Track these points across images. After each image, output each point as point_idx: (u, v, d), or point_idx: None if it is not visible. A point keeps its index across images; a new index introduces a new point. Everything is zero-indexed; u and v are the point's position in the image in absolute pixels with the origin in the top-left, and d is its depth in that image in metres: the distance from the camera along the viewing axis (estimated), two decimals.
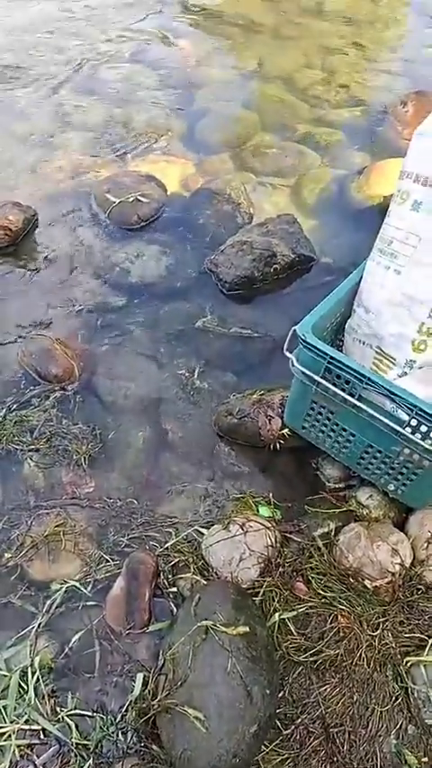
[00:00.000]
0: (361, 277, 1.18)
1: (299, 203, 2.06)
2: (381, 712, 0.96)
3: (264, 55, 2.93)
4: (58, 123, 2.36)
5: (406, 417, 0.99)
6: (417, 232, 1.01)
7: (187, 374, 1.50)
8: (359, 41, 3.09)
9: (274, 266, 1.73)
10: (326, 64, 2.88)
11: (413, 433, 0.99)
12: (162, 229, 1.91)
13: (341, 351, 1.27)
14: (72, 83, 2.63)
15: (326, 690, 0.98)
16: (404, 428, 1.00)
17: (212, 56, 2.89)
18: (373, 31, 3.23)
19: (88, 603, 1.09)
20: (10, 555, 1.13)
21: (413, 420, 0.98)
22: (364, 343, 1.14)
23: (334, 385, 1.06)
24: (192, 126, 2.39)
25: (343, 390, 1.05)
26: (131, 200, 1.88)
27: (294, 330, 1.07)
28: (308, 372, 1.08)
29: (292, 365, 1.10)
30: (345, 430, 1.14)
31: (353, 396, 1.04)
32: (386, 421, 1.00)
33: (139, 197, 1.89)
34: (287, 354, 1.10)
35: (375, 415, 1.01)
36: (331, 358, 1.03)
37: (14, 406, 1.38)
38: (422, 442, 0.98)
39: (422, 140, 1.04)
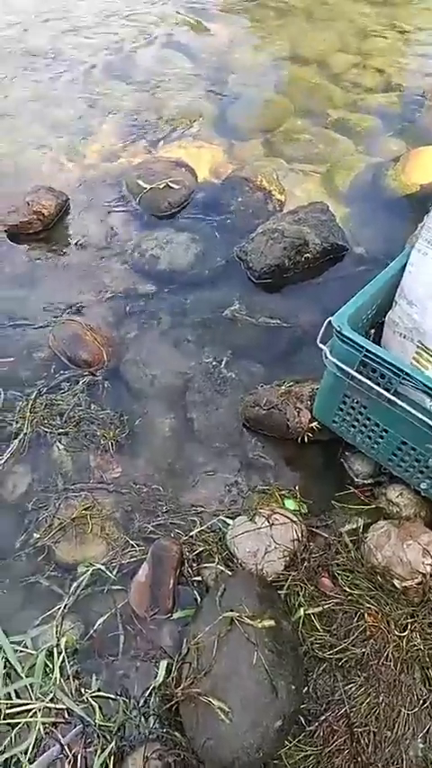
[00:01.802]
0: (401, 268, 1.13)
1: (331, 191, 2.00)
2: (407, 715, 0.94)
3: (297, 38, 2.84)
4: (90, 109, 2.35)
5: None
6: None
7: (214, 363, 1.48)
8: (396, 23, 2.97)
9: (306, 255, 1.69)
10: (362, 47, 2.77)
11: None
12: (192, 216, 1.88)
13: (376, 343, 1.23)
14: (104, 69, 2.61)
15: (351, 689, 0.96)
16: None
17: (245, 40, 2.82)
18: (412, 13, 3.09)
19: (113, 587, 1.09)
20: (38, 535, 1.15)
21: None
22: (405, 337, 1.10)
23: (369, 379, 1.02)
24: (223, 111, 2.34)
25: (378, 385, 1.01)
26: (162, 186, 1.86)
27: (329, 321, 1.03)
28: (342, 365, 1.04)
29: (326, 357, 1.07)
30: (377, 425, 1.11)
31: (389, 390, 1.00)
32: (423, 418, 0.96)
33: (169, 183, 1.87)
34: (320, 346, 1.07)
35: (411, 411, 0.97)
36: (367, 351, 0.99)
37: (45, 390, 1.39)
38: None
39: None
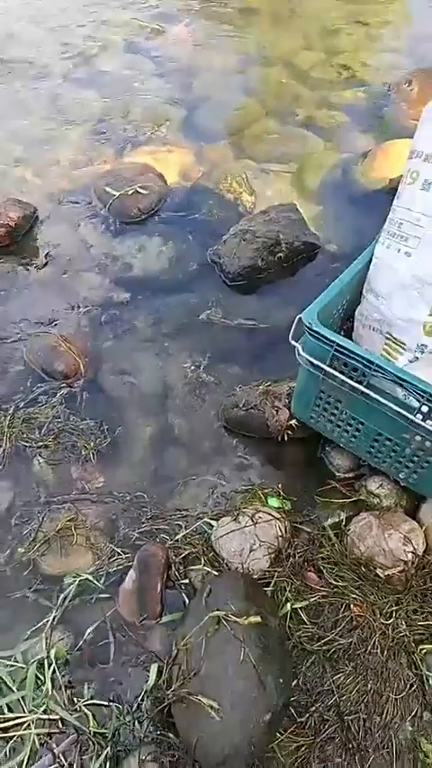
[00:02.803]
0: (368, 262, 1.16)
1: (302, 189, 2.02)
2: (395, 700, 0.96)
3: (263, 38, 2.86)
4: (54, 118, 2.34)
5: (417, 404, 0.97)
6: (428, 212, 0.99)
7: (193, 367, 1.49)
8: (361, 20, 3.00)
9: (278, 255, 1.71)
10: (327, 44, 2.80)
11: (424, 420, 0.98)
12: (163, 221, 1.89)
13: (349, 338, 1.25)
14: (69, 75, 2.60)
15: (340, 678, 0.98)
16: (415, 415, 0.98)
17: (210, 42, 2.83)
18: (375, 9, 3.13)
19: (101, 596, 1.10)
20: (23, 550, 1.15)
21: (424, 406, 0.97)
22: (373, 329, 1.12)
23: (341, 373, 1.04)
24: (191, 114, 2.35)
25: (351, 378, 1.03)
26: (131, 192, 1.86)
27: (299, 318, 1.05)
28: (314, 361, 1.06)
29: (299, 354, 1.08)
30: (353, 419, 1.13)
31: (361, 383, 1.02)
32: (396, 408, 0.99)
33: (138, 189, 1.87)
34: (293, 343, 1.08)
35: (385, 402, 0.99)
36: (338, 345, 1.01)
37: (22, 404, 1.39)
38: None
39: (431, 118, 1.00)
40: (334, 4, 3.13)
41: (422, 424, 0.97)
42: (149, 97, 2.45)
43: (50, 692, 0.98)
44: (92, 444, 1.31)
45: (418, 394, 0.94)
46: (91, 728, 0.95)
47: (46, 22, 3.01)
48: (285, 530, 1.15)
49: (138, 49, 2.78)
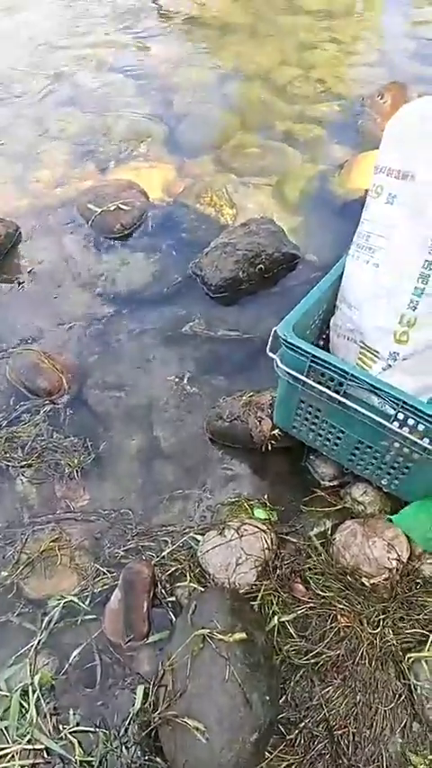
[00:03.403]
0: (341, 273, 1.17)
1: (282, 201, 2.05)
2: (385, 711, 0.95)
3: (240, 55, 2.93)
4: (36, 136, 2.36)
5: (392, 411, 0.98)
6: (392, 225, 1.01)
7: (177, 380, 1.50)
8: (335, 35, 3.09)
9: (259, 266, 1.73)
10: (303, 60, 2.87)
11: (401, 427, 0.98)
12: (146, 236, 1.91)
13: (327, 347, 1.27)
14: (51, 94, 2.63)
15: (328, 692, 0.97)
16: (391, 422, 0.99)
17: (189, 59, 2.89)
18: (349, 25, 3.22)
19: (86, 618, 1.08)
20: (6, 573, 1.13)
21: (400, 413, 0.98)
22: (348, 339, 1.13)
23: (319, 383, 1.05)
24: (171, 130, 2.39)
25: (328, 388, 1.04)
26: (113, 208, 1.88)
27: (275, 330, 1.06)
28: (292, 372, 1.07)
29: (277, 366, 1.09)
30: (334, 427, 1.14)
31: (338, 393, 1.03)
32: (373, 416, 1.00)
33: (120, 205, 1.89)
34: (271, 355, 1.09)
35: (361, 410, 1.00)
36: (313, 356, 1.02)
37: (5, 423, 1.38)
38: (410, 435, 0.97)
39: (394, 133, 1.03)
40: (309, 21, 3.22)
41: (399, 431, 0.97)
42: (131, 114, 2.48)
43: (35, 721, 0.96)
44: (76, 461, 1.30)
45: (393, 401, 0.95)
46: (77, 757, 0.92)
47: (27, 40, 3.06)
48: (271, 541, 1.15)
49: (118, 67, 2.83)
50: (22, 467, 1.29)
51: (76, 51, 2.96)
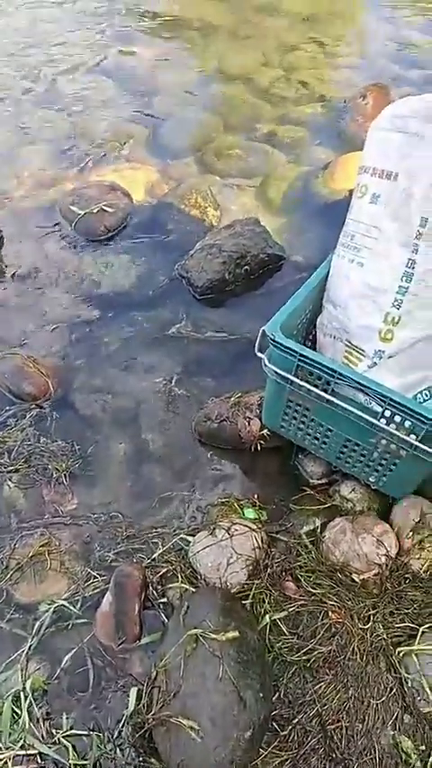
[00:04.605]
0: (327, 272, 1.19)
1: (266, 203, 2.07)
2: (376, 705, 0.97)
3: (222, 56, 2.94)
4: (18, 139, 2.34)
5: (379, 408, 1.00)
6: (376, 224, 1.03)
7: (164, 382, 1.50)
8: (317, 37, 3.11)
9: (245, 267, 1.73)
10: (285, 62, 2.90)
11: (387, 424, 1.00)
12: (130, 238, 1.90)
13: (315, 347, 1.28)
14: (31, 96, 2.61)
15: (321, 687, 0.98)
16: (378, 420, 1.00)
17: (171, 60, 2.89)
18: (331, 27, 3.26)
19: (78, 622, 1.07)
20: None
21: (386, 411, 0.99)
22: (334, 338, 1.15)
23: (307, 382, 1.06)
24: (154, 132, 2.39)
25: (316, 387, 1.05)
26: (96, 211, 1.87)
27: (263, 330, 1.07)
28: (280, 371, 1.08)
29: (265, 365, 1.10)
30: (322, 426, 1.15)
31: (326, 391, 1.05)
32: (360, 414, 1.01)
33: (104, 207, 1.88)
34: (259, 354, 1.10)
35: (349, 408, 1.02)
36: (301, 355, 1.03)
37: None
38: (397, 432, 0.99)
39: (377, 134, 1.05)
40: (291, 23, 3.25)
41: (386, 428, 0.99)
42: (112, 116, 2.47)
43: (28, 726, 0.95)
44: (64, 466, 1.29)
45: (380, 398, 0.97)
46: (71, 761, 0.92)
47: (7, 43, 3.02)
48: (262, 541, 1.15)
49: (100, 69, 2.81)
50: (9, 472, 1.27)
51: (56, 53, 2.93)
